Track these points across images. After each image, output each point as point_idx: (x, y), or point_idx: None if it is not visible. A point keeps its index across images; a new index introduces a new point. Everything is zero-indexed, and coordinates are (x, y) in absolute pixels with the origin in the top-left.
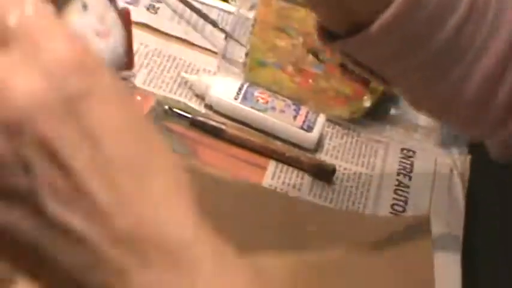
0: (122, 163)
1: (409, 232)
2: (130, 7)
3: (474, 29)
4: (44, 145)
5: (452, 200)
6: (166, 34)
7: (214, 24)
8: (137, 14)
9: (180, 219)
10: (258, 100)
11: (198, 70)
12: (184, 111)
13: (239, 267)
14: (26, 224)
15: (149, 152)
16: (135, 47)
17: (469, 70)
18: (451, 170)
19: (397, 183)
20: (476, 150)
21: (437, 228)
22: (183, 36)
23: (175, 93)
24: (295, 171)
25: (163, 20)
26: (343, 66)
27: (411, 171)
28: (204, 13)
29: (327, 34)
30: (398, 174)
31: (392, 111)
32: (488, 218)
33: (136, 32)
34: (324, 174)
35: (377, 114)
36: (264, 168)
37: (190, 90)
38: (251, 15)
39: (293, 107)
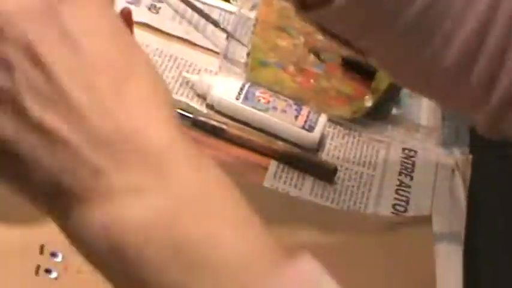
0: (102, 67)
1: (411, 232)
2: (132, 7)
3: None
4: (25, 47)
5: (454, 199)
6: (168, 34)
7: (215, 24)
8: (138, 13)
9: (158, 124)
10: (259, 100)
11: (199, 70)
12: (185, 111)
13: (215, 174)
14: (8, 124)
15: (128, 57)
16: None
17: (448, 38)
18: (453, 170)
19: (398, 183)
20: (477, 150)
21: (438, 227)
22: (185, 36)
23: (176, 93)
24: (297, 171)
25: (165, 19)
26: (344, 66)
27: (413, 171)
28: (206, 13)
29: (302, 4)
30: (399, 174)
31: (394, 111)
32: (489, 217)
33: (137, 31)
34: (325, 174)
35: (378, 114)
36: (265, 168)
37: (192, 90)
38: (252, 15)
39: (294, 106)
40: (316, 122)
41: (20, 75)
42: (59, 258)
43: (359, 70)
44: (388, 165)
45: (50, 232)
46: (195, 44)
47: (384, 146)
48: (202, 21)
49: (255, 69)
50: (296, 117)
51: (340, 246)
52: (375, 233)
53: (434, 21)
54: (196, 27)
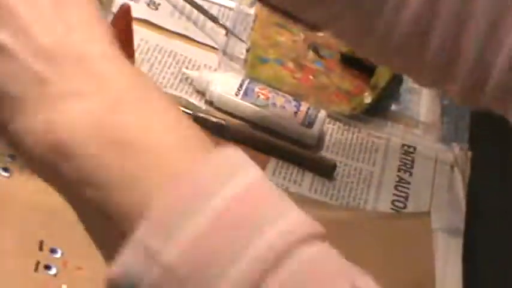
0: None
1: (410, 228)
2: (131, 3)
3: None
4: None
5: (453, 195)
6: (167, 30)
7: (215, 20)
8: (138, 10)
9: (94, 39)
10: (258, 96)
11: (198, 66)
12: (185, 107)
13: (146, 79)
14: None
15: None
16: (135, 43)
17: (399, 6)
18: (452, 166)
19: (397, 179)
20: (476, 146)
21: (437, 223)
22: (184, 32)
23: (176, 89)
24: (296, 167)
25: (164, 16)
26: (344, 62)
27: (412, 167)
28: (205, 9)
29: None
30: (398, 170)
31: (393, 107)
32: (488, 213)
33: (136, 28)
34: (324, 170)
35: (378, 111)
36: (264, 164)
37: (191, 86)
38: (252, 11)
39: (294, 103)
40: (315, 118)
41: None
42: (58, 255)
43: (358, 66)
44: (387, 161)
45: (49, 228)
46: (194, 40)
47: (383, 142)
48: (202, 17)
49: (254, 66)
50: (295, 113)
51: (339, 242)
52: (374, 229)
53: None
54: (195, 24)
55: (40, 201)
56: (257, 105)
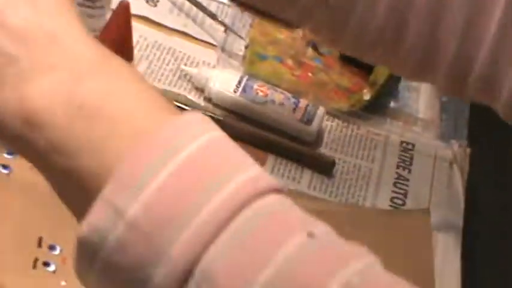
0: None
1: (409, 225)
2: (130, 0)
3: None
4: None
5: (452, 192)
6: (166, 27)
7: (213, 17)
8: (137, 7)
9: (65, 21)
10: (257, 93)
11: (197, 63)
12: (183, 104)
13: (109, 52)
14: None
15: None
16: (134, 39)
17: (372, 3)
18: (451, 163)
19: (396, 176)
20: (475, 143)
21: (436, 220)
22: (183, 29)
23: (174, 86)
24: (295, 164)
25: (163, 12)
26: (342, 59)
27: (411, 164)
28: (204, 6)
29: None
30: (397, 167)
31: (392, 104)
32: (487, 210)
33: (135, 25)
34: (323, 167)
35: (376, 108)
36: (263, 161)
37: (190, 83)
38: None
39: (292, 100)
40: (314, 115)
41: None
42: (57, 251)
43: (357, 63)
44: (386, 158)
45: (48, 225)
46: (193, 37)
47: (382, 139)
48: (200, 14)
49: (253, 63)
50: (294, 110)
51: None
52: (373, 226)
53: None
54: (194, 20)
55: (39, 198)
56: (256, 102)
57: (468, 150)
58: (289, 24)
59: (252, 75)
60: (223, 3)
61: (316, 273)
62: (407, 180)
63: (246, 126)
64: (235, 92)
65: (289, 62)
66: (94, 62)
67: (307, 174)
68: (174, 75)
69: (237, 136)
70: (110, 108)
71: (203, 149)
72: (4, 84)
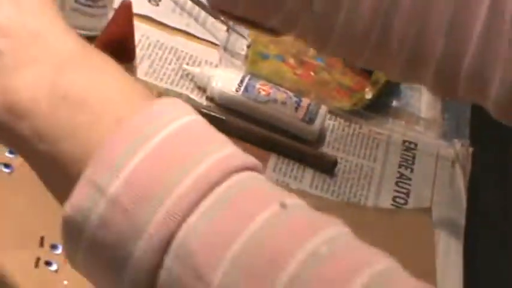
0: None
1: (411, 224)
2: None
3: None
4: None
5: (454, 191)
6: (168, 26)
7: (215, 16)
8: (139, 6)
9: (47, 18)
10: (259, 92)
11: (199, 62)
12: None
13: (99, 55)
14: None
15: None
16: (136, 39)
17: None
18: (453, 162)
19: (398, 175)
20: (478, 142)
21: (438, 219)
22: (185, 29)
23: (177, 85)
24: (297, 164)
25: (165, 12)
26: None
27: (413, 164)
28: (206, 5)
29: None
30: (400, 166)
31: (394, 103)
32: (489, 209)
33: (137, 24)
34: (325, 166)
35: (379, 107)
36: (265, 161)
37: (192, 82)
38: None
39: (294, 99)
40: (316, 114)
41: None
42: (59, 251)
43: None
44: (388, 157)
45: (50, 224)
46: (195, 37)
47: (384, 138)
48: (203, 13)
49: (255, 62)
50: (296, 109)
51: None
52: (375, 225)
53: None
54: (196, 20)
55: (41, 197)
56: (258, 101)
57: (470, 149)
58: (273, 32)
59: (254, 75)
60: None
61: (283, 245)
62: (410, 179)
63: (248, 126)
64: (237, 91)
65: (291, 61)
66: (76, 55)
67: (309, 173)
68: (176, 74)
69: (239, 135)
70: (92, 97)
71: (179, 130)
72: None
